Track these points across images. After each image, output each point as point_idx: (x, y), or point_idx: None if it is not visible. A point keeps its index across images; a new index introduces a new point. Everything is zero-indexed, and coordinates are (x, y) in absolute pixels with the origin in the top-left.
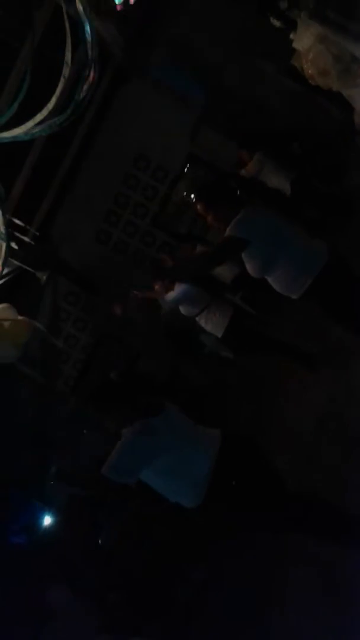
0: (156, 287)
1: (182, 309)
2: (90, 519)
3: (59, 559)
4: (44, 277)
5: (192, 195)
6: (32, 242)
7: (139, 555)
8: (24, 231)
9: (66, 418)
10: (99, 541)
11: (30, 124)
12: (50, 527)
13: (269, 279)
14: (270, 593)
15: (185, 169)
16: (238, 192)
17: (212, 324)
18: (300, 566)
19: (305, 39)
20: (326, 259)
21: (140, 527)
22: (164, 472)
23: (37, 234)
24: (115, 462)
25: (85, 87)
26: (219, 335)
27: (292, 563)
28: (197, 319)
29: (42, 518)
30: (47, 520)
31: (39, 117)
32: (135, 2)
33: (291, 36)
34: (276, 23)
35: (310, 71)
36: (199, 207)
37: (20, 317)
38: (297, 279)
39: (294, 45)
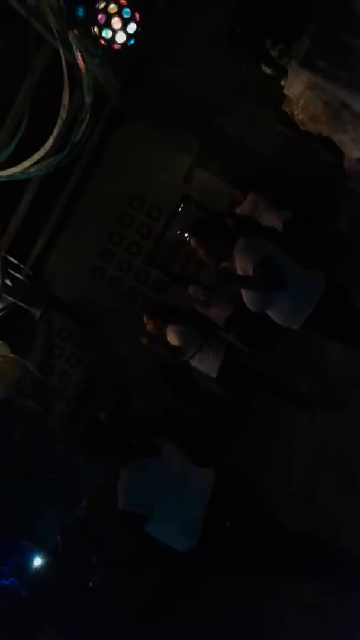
0: (149, 326)
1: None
2: (81, 560)
3: (49, 601)
4: (38, 314)
5: (186, 234)
6: (26, 279)
7: (131, 598)
8: (18, 268)
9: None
10: (90, 583)
11: (27, 163)
12: (41, 568)
13: (269, 312)
14: (265, 636)
15: (179, 209)
16: (232, 229)
17: (205, 365)
18: (293, 607)
19: (295, 86)
20: (324, 287)
21: (132, 568)
22: (159, 516)
23: (30, 272)
24: (125, 499)
25: (81, 129)
26: (213, 376)
27: (286, 604)
28: (190, 361)
29: (32, 559)
30: (38, 561)
31: (35, 156)
32: (131, 46)
33: (282, 83)
34: (267, 70)
35: (300, 117)
36: (192, 241)
37: (11, 355)
38: (298, 309)
39: (285, 91)
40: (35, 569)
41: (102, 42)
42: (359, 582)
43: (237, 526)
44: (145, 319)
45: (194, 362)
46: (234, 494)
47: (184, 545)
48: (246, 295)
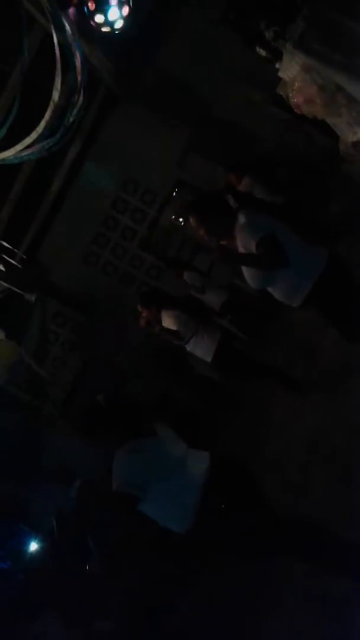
0: (143, 314)
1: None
2: (78, 544)
3: (45, 585)
4: (33, 299)
5: (181, 219)
6: (20, 265)
7: (127, 582)
8: (12, 253)
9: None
10: (87, 567)
11: (19, 147)
12: (37, 552)
13: (270, 289)
14: (259, 620)
15: (174, 193)
16: (232, 205)
17: (200, 349)
18: (288, 591)
19: (290, 69)
20: (326, 261)
21: (128, 553)
22: (154, 497)
23: (25, 257)
24: (120, 479)
25: (74, 112)
26: (208, 360)
27: (280, 588)
28: (185, 346)
29: (28, 543)
30: (34, 545)
31: (28, 140)
32: (123, 30)
33: (277, 65)
34: (262, 53)
35: (295, 100)
36: (191, 219)
37: (6, 339)
38: (299, 286)
39: (280, 74)
40: (31, 553)
41: (94, 24)
42: (351, 566)
43: (232, 509)
44: (139, 308)
45: (189, 347)
46: (229, 477)
47: (179, 527)
48: (247, 273)
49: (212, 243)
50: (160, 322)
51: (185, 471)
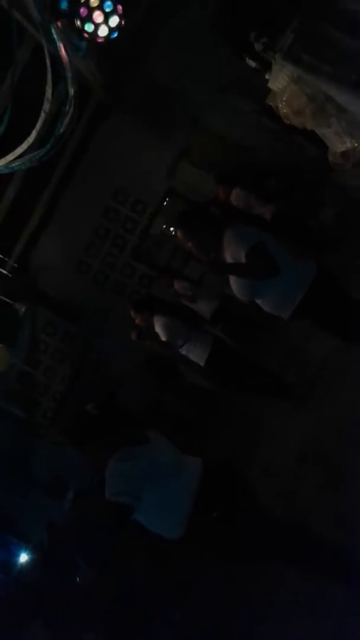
0: (136, 320)
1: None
2: (68, 556)
3: (34, 597)
4: (23, 308)
5: (172, 228)
6: (10, 274)
7: (117, 594)
8: (2, 262)
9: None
10: (77, 579)
11: (10, 157)
12: (27, 564)
13: (259, 301)
14: (252, 626)
15: (165, 203)
16: (219, 218)
17: (193, 354)
18: (280, 599)
19: (280, 80)
20: (315, 273)
21: (119, 564)
22: (147, 504)
23: (16, 265)
24: (113, 488)
25: (65, 122)
26: (201, 364)
27: (271, 593)
28: (180, 350)
29: (18, 555)
30: (24, 557)
31: (18, 150)
32: (114, 40)
33: (266, 76)
34: (252, 64)
35: (285, 110)
36: (179, 234)
37: None
38: (288, 297)
39: (269, 85)
40: (22, 565)
41: (85, 35)
42: (341, 571)
43: (224, 515)
44: (132, 313)
45: (183, 351)
46: (221, 483)
47: (172, 534)
48: (235, 285)
49: (201, 256)
50: (151, 329)
51: (178, 478)
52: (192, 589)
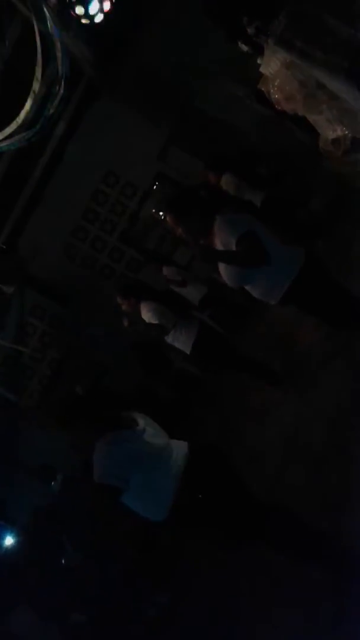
0: (123, 306)
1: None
2: (54, 538)
3: (21, 579)
4: (11, 291)
5: (161, 212)
6: None
7: (103, 575)
8: None
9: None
10: (63, 561)
11: None
12: (13, 546)
13: (248, 287)
14: (238, 611)
15: (154, 187)
16: (208, 202)
17: (179, 342)
18: (264, 580)
19: (272, 65)
20: (303, 260)
21: (105, 546)
22: (135, 487)
23: (4, 247)
24: (101, 470)
25: (55, 103)
26: (187, 352)
27: (257, 577)
28: (165, 337)
29: (3, 537)
30: (9, 540)
31: (7, 130)
32: (106, 21)
33: (259, 61)
34: (244, 48)
35: (276, 96)
36: (169, 219)
37: None
38: (277, 284)
39: (261, 70)
40: (7, 547)
41: (74, 15)
42: (326, 556)
43: (209, 498)
44: (119, 299)
45: (168, 339)
46: (207, 467)
47: (158, 515)
48: (225, 271)
49: (191, 241)
50: (138, 315)
51: (165, 461)
52: (177, 570)
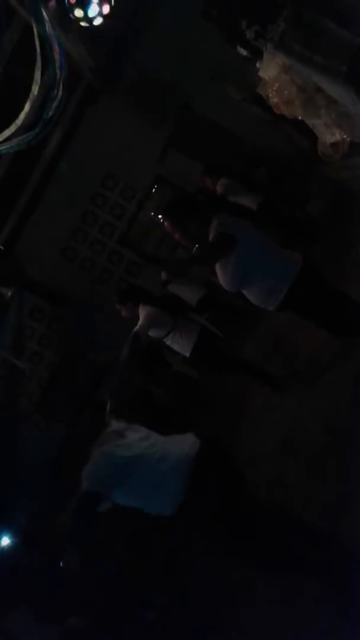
0: (122, 312)
1: (150, 332)
2: (50, 540)
3: (18, 581)
4: (9, 293)
5: (160, 216)
6: None
7: (101, 578)
8: None
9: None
10: (60, 563)
11: None
12: (10, 548)
13: (245, 292)
14: (236, 613)
15: (153, 190)
16: (205, 208)
17: (178, 345)
18: (261, 584)
19: (271, 69)
20: (300, 266)
21: (103, 549)
22: (135, 486)
23: (2, 249)
24: (92, 478)
25: (53, 106)
26: (187, 354)
27: (254, 580)
28: (164, 340)
29: (0, 538)
30: (6, 541)
31: (6, 133)
32: (105, 25)
33: (257, 65)
34: (243, 52)
35: (275, 100)
36: (166, 224)
37: None
38: (274, 289)
39: (260, 74)
40: (3, 548)
41: (73, 17)
42: (324, 557)
43: (221, 489)
44: (116, 305)
45: (167, 341)
46: (215, 459)
47: (167, 509)
48: (221, 275)
49: (188, 246)
50: (137, 318)
51: (166, 462)
52: (176, 574)
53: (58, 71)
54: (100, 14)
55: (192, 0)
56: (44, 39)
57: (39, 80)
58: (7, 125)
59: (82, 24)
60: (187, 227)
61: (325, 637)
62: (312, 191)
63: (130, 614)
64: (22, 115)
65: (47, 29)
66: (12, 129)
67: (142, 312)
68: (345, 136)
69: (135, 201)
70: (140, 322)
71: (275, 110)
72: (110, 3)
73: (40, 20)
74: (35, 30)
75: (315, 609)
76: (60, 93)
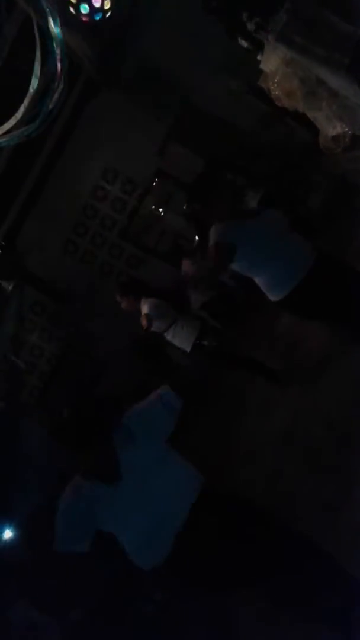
0: (123, 304)
1: (153, 325)
2: (53, 533)
3: (20, 575)
4: (10, 287)
5: (161, 209)
6: None
7: (102, 572)
8: None
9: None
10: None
11: None
12: (11, 541)
13: (256, 278)
14: (236, 609)
15: (154, 183)
16: (234, 181)
17: (179, 338)
18: (261, 580)
19: (272, 61)
20: (314, 257)
21: (104, 542)
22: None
23: (3, 243)
24: (62, 536)
25: (54, 99)
26: (187, 349)
27: (254, 576)
28: (165, 334)
29: (1, 532)
30: (8, 533)
31: (6, 126)
32: (105, 17)
33: (259, 57)
34: (244, 44)
35: (276, 92)
36: (194, 209)
37: None
38: (286, 278)
39: (261, 66)
40: (5, 541)
41: (74, 10)
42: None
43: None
44: (117, 298)
45: (168, 336)
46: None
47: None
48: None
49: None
50: (139, 312)
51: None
52: (176, 568)
53: (58, 64)
54: (101, 6)
55: None
56: (44, 32)
57: (39, 73)
58: (7, 118)
59: (84, 17)
60: (216, 206)
61: (325, 637)
62: (313, 184)
63: (131, 608)
64: (22, 108)
65: (47, 21)
66: (12, 122)
67: (145, 305)
68: (346, 129)
69: (135, 195)
70: (146, 311)
71: (276, 102)
72: None
73: (40, 13)
74: (35, 22)
75: (316, 607)
76: (60, 86)
